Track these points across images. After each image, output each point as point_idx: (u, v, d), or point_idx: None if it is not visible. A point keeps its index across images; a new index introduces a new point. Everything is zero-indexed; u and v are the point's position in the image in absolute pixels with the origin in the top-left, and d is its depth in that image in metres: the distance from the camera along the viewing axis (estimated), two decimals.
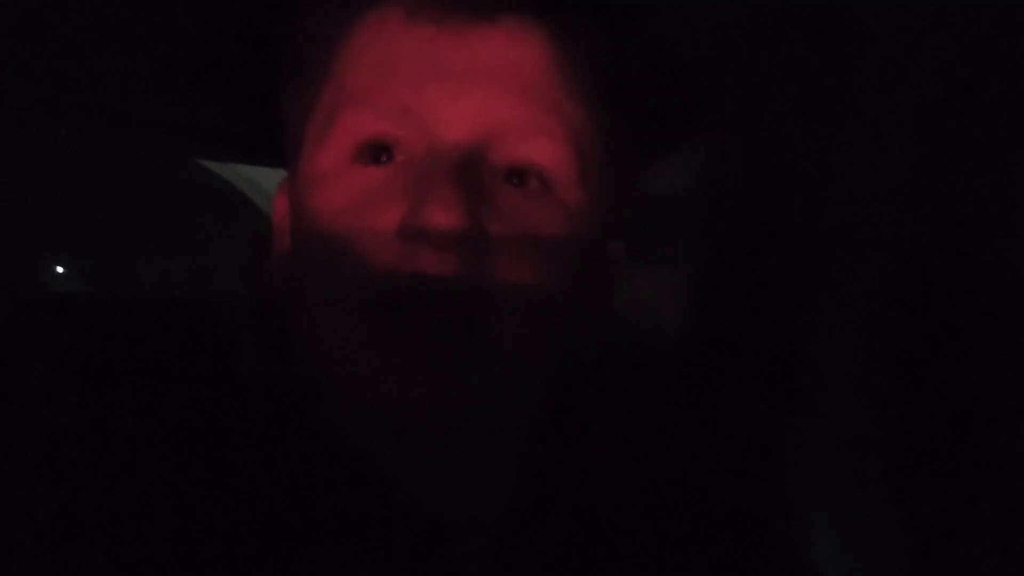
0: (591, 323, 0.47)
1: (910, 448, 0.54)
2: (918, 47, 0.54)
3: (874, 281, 0.56)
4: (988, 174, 0.52)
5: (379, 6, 0.42)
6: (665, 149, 0.70)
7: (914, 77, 0.54)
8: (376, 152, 0.41)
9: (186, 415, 0.41)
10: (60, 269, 1.34)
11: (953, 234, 0.53)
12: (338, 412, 0.42)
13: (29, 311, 0.49)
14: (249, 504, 0.39)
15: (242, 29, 0.57)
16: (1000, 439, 0.51)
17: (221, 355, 0.45)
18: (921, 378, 0.54)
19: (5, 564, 0.35)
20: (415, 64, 0.40)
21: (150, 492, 0.38)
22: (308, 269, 0.42)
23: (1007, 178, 0.52)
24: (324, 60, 0.43)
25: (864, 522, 0.56)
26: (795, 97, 0.61)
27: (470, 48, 0.40)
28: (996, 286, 0.51)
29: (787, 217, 0.62)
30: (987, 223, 0.52)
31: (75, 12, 0.53)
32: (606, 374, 0.53)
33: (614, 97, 0.45)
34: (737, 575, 0.46)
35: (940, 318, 0.53)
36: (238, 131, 0.73)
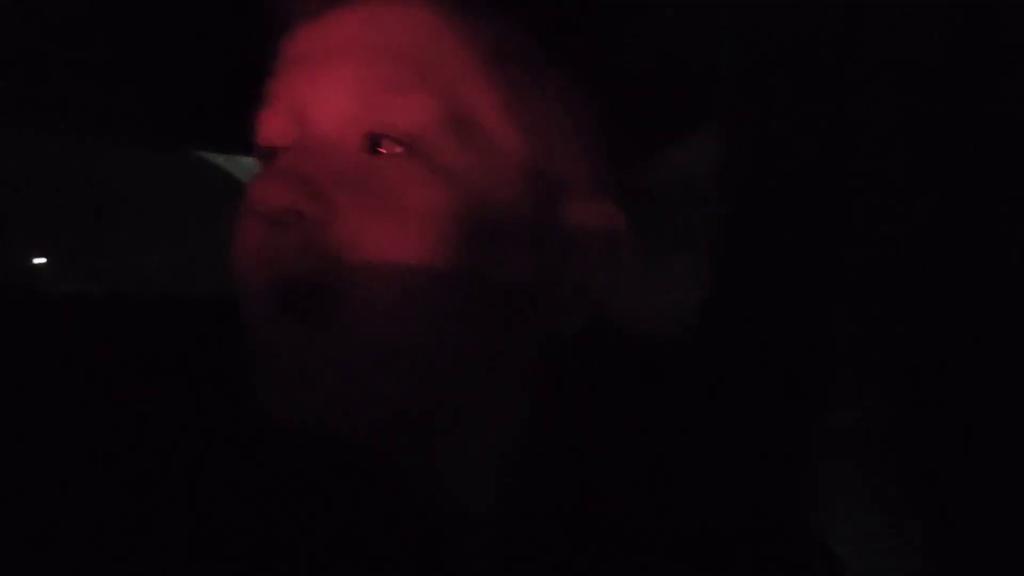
0: (586, 314, 0.44)
1: (926, 439, 0.54)
2: (919, 42, 0.53)
3: (886, 273, 0.56)
4: (996, 168, 0.52)
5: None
6: (668, 139, 0.69)
7: (916, 71, 0.54)
8: (268, 154, 0.42)
9: (195, 411, 0.41)
10: (40, 261, 1.33)
11: (963, 227, 0.53)
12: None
13: (31, 310, 0.49)
14: (247, 505, 0.38)
15: (239, 21, 0.56)
16: (1013, 431, 0.50)
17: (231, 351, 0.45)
18: (935, 368, 0.54)
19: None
20: (292, 59, 0.41)
21: (149, 493, 0.38)
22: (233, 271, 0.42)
23: (1011, 174, 0.51)
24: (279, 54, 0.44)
25: (883, 514, 0.56)
26: (795, 93, 0.61)
27: (333, 31, 0.40)
28: (1004, 279, 0.51)
29: (796, 209, 0.61)
30: (998, 216, 0.51)
31: (65, 8, 0.53)
32: (609, 371, 0.52)
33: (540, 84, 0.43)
34: (752, 567, 0.46)
35: (952, 310, 0.52)
36: (237, 123, 0.72)
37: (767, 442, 0.61)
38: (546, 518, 0.43)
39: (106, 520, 0.37)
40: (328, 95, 0.39)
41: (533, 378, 0.45)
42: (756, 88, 0.65)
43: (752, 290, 0.65)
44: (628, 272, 0.46)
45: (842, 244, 0.59)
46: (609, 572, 0.43)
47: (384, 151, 0.39)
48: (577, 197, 0.43)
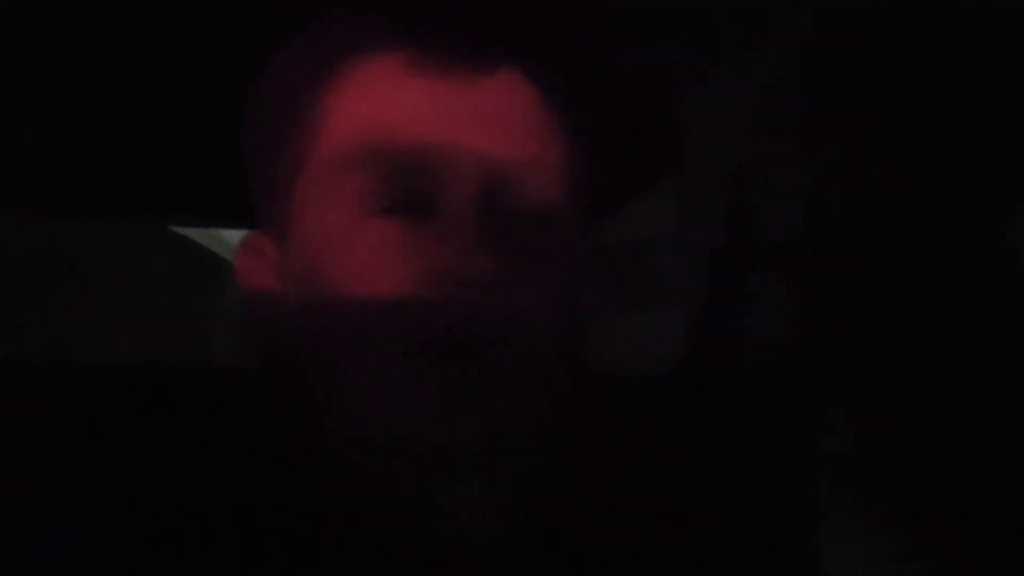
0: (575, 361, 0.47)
1: (924, 461, 0.54)
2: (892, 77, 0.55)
3: (873, 297, 0.56)
4: (970, 179, 0.53)
5: (369, 58, 0.43)
6: (634, 192, 0.71)
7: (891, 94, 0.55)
8: (391, 203, 0.41)
9: (203, 481, 0.42)
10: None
11: (946, 240, 0.53)
12: (361, 459, 0.43)
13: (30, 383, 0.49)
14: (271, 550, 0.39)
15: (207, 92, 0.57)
16: (1012, 450, 0.50)
17: (231, 418, 0.46)
18: (932, 389, 0.54)
19: None
20: (422, 114, 0.41)
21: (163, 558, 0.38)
22: (331, 323, 0.42)
23: (992, 179, 0.52)
24: (310, 113, 0.44)
25: (882, 537, 0.55)
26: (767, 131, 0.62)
27: (473, 98, 0.42)
28: (995, 290, 0.51)
29: (773, 235, 0.62)
30: (973, 227, 0.52)
31: (40, 82, 0.53)
32: (610, 401, 0.54)
33: (593, 137, 0.47)
34: None
35: (943, 327, 0.53)
36: (209, 195, 0.73)
37: (765, 469, 0.61)
38: (556, 549, 0.44)
39: None
40: (473, 159, 0.41)
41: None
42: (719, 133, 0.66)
43: (739, 322, 0.66)
44: (605, 317, 0.51)
45: (828, 267, 0.59)
46: None
47: (534, 222, 0.43)
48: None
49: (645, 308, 0.78)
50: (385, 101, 0.42)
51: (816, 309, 0.60)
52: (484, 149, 0.41)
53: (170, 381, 0.50)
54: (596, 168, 0.48)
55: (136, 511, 0.40)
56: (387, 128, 0.41)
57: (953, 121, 0.52)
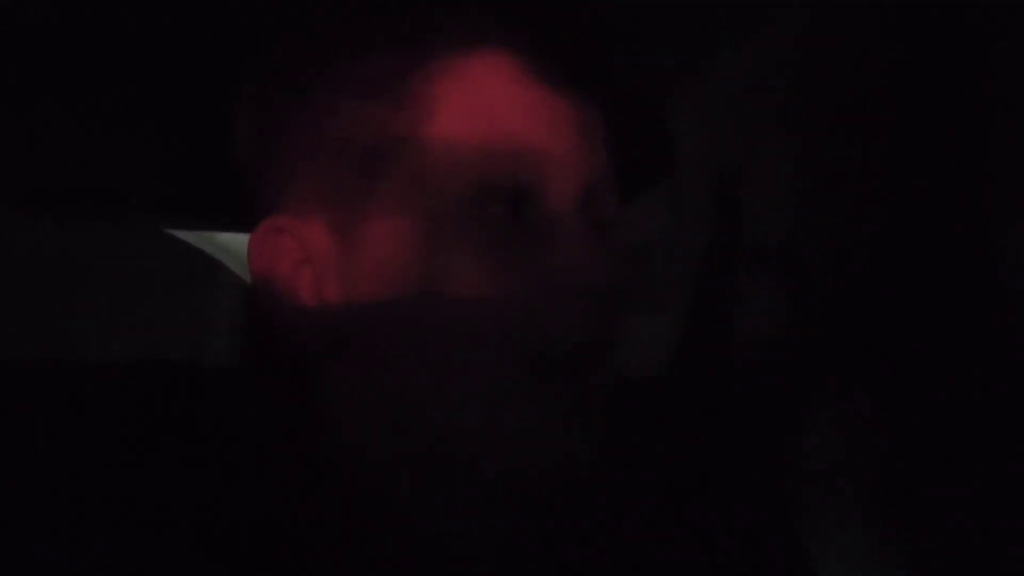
0: None
1: (912, 462, 0.54)
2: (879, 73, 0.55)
3: (863, 298, 0.56)
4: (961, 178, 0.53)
5: (478, 50, 0.42)
6: (629, 194, 0.71)
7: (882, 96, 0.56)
8: (499, 202, 0.40)
9: (201, 483, 0.41)
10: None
11: (937, 238, 0.54)
12: (368, 473, 0.42)
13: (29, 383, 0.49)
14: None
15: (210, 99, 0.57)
16: (1007, 449, 0.51)
17: (226, 418, 0.45)
18: (922, 390, 0.54)
19: None
20: (535, 118, 0.41)
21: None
22: (432, 329, 0.40)
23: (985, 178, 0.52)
24: (405, 96, 0.41)
25: (867, 536, 0.56)
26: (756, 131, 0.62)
27: (577, 109, 0.43)
28: (988, 290, 0.51)
29: (767, 233, 0.62)
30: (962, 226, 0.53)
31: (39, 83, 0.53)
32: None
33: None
34: None
35: (935, 328, 0.53)
36: (208, 199, 0.73)
37: (755, 467, 0.61)
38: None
39: None
40: (579, 169, 0.42)
41: None
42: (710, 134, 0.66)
43: (728, 323, 0.66)
44: None
45: (817, 267, 0.60)
46: None
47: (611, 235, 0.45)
48: None
49: (640, 311, 0.78)
50: (503, 102, 0.41)
51: (806, 309, 0.61)
52: (585, 160, 0.43)
53: (165, 381, 0.49)
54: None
55: (129, 511, 0.40)
56: (501, 125, 0.40)
57: (948, 119, 0.52)
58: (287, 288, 0.42)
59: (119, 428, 0.44)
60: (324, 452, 0.43)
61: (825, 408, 0.59)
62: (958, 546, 0.51)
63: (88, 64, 0.53)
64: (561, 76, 0.42)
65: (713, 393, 0.66)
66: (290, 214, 0.43)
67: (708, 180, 0.69)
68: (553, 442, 0.39)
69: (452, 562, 0.42)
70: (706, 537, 0.48)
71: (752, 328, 0.65)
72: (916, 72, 0.54)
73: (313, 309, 0.42)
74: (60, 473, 0.42)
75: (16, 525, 0.39)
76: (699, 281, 0.69)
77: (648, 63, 0.61)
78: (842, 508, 0.57)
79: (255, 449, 0.43)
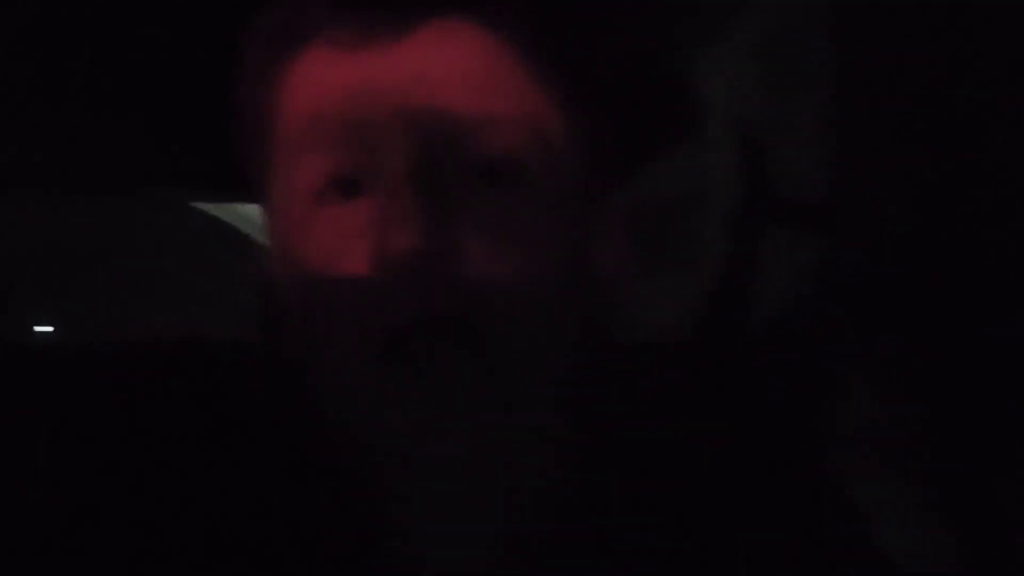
0: (600, 330, 0.45)
1: (950, 422, 0.53)
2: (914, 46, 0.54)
3: (891, 267, 0.55)
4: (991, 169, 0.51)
5: (305, 46, 0.42)
6: (656, 150, 0.70)
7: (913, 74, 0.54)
8: (338, 189, 0.40)
9: (205, 454, 0.43)
10: (41, 329, 1.31)
11: (966, 226, 0.52)
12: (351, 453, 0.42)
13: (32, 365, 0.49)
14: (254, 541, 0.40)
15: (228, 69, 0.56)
16: None
17: (239, 394, 0.46)
18: (957, 347, 0.53)
19: None
20: (345, 91, 0.40)
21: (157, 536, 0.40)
22: (299, 314, 0.41)
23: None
24: (268, 102, 0.43)
25: (902, 505, 0.55)
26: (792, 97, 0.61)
27: (395, 62, 0.39)
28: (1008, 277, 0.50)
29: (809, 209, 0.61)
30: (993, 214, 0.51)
31: (55, 70, 0.53)
32: (631, 383, 0.52)
33: (580, 90, 0.44)
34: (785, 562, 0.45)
35: (973, 294, 0.52)
36: (228, 170, 0.73)
37: (787, 442, 0.61)
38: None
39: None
40: (411, 125, 0.39)
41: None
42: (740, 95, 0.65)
43: (756, 294, 0.65)
44: (627, 279, 0.47)
45: (850, 243, 0.59)
46: None
47: (496, 179, 0.40)
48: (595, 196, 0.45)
49: (670, 271, 0.78)
50: (312, 85, 0.41)
51: (838, 268, 0.60)
52: (416, 113, 0.39)
53: (184, 356, 0.50)
54: (600, 126, 0.45)
55: (146, 485, 0.42)
56: (316, 112, 0.40)
57: (987, 70, 0.50)
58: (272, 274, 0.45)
59: (139, 403, 0.45)
60: (317, 428, 0.43)
61: (858, 371, 0.58)
62: (998, 510, 0.51)
63: (112, 38, 0.53)
64: (365, 33, 0.40)
65: (742, 353, 0.66)
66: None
67: (737, 136, 0.67)
68: (413, 419, 0.38)
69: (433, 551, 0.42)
70: (738, 510, 0.46)
71: (784, 286, 0.64)
72: (953, 24, 0.52)
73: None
74: (83, 448, 0.44)
75: (35, 496, 0.41)
76: (729, 238, 0.69)
77: (675, 19, 0.60)
78: (877, 475, 0.56)
79: (255, 427, 0.44)
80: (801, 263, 0.63)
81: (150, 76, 0.59)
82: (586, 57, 0.45)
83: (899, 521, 0.55)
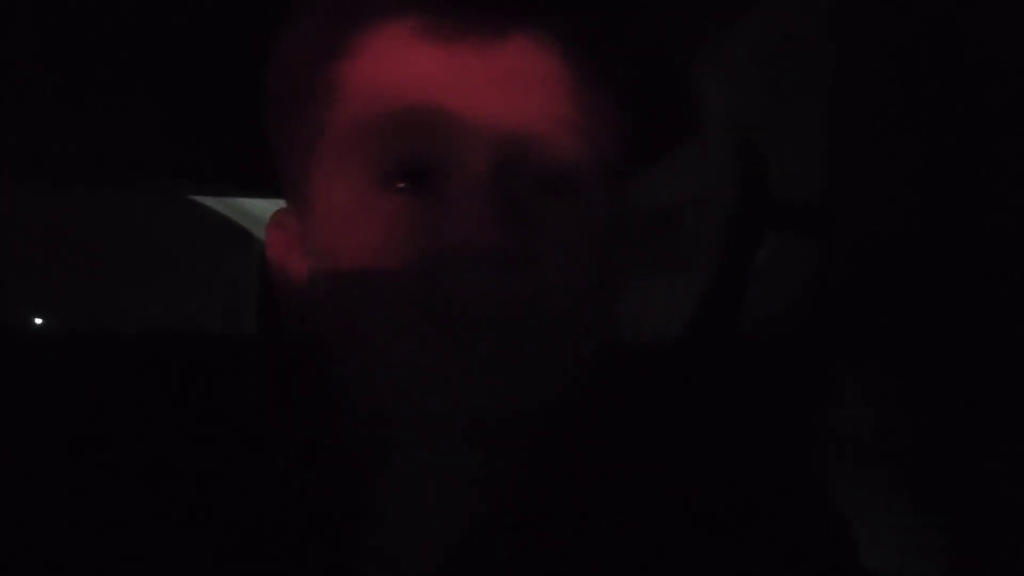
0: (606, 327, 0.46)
1: (946, 430, 0.54)
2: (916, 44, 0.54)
3: (887, 273, 0.56)
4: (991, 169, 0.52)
5: (381, 24, 0.41)
6: (654, 153, 0.70)
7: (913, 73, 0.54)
8: (406, 177, 0.40)
9: (211, 448, 0.43)
10: (39, 321, 1.31)
11: (964, 226, 0.53)
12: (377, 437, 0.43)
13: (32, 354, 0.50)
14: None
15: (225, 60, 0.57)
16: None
17: (244, 387, 0.46)
18: (953, 353, 0.53)
19: None
20: (435, 82, 0.40)
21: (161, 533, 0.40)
22: (347, 298, 0.41)
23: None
24: (322, 85, 0.42)
25: (894, 512, 0.55)
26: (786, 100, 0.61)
27: (491, 62, 0.40)
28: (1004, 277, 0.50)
29: (796, 212, 0.62)
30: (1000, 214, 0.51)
31: (57, 57, 0.54)
32: (626, 384, 0.53)
33: (617, 98, 0.45)
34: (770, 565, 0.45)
35: (954, 308, 0.52)
36: (229, 164, 0.73)
37: (775, 443, 0.61)
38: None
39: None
40: (491, 126, 0.39)
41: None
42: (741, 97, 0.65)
43: (749, 295, 0.66)
44: (627, 279, 0.49)
45: (844, 245, 0.59)
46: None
47: (558, 192, 0.41)
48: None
49: (669, 275, 0.78)
50: (397, 68, 0.40)
51: (835, 271, 0.60)
52: (502, 115, 0.39)
53: (189, 351, 0.50)
54: (626, 132, 0.46)
55: (149, 477, 0.42)
56: (398, 96, 0.40)
57: (987, 72, 0.50)
58: (284, 271, 0.46)
59: (136, 395, 0.45)
60: (337, 418, 0.44)
61: (854, 377, 0.59)
62: (993, 517, 0.51)
63: (117, 30, 0.53)
64: (463, 28, 0.40)
65: (735, 357, 0.66)
66: (289, 203, 0.47)
67: (735, 139, 0.68)
68: (464, 382, 0.39)
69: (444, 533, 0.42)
70: (726, 512, 0.46)
71: (780, 291, 0.65)
72: (953, 26, 0.52)
73: (300, 288, 0.45)
74: (82, 439, 0.44)
75: (37, 486, 0.42)
76: (726, 241, 0.69)
77: (673, 20, 0.60)
78: (871, 483, 0.57)
79: (270, 417, 0.44)
80: (798, 266, 0.63)
81: (152, 68, 0.60)
82: (626, 64, 0.47)
83: (891, 526, 0.55)
